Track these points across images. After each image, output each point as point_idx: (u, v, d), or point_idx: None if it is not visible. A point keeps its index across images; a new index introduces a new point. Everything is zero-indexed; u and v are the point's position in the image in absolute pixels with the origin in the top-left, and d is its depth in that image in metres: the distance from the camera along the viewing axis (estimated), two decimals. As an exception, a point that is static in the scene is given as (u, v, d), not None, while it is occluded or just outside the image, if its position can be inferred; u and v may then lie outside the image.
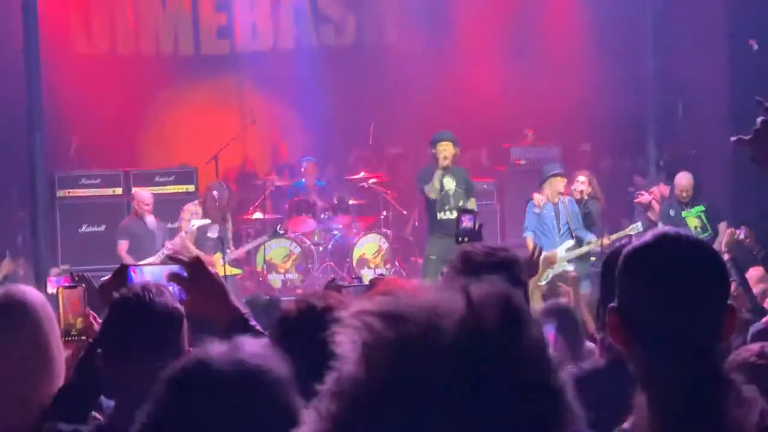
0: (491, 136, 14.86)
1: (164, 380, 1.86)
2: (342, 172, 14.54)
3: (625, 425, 2.06)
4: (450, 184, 10.80)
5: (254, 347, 1.86)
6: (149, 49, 16.33)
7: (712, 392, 1.93)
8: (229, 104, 16.01)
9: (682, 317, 1.96)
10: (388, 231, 12.98)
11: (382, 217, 13.25)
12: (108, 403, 2.94)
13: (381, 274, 10.84)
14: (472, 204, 10.64)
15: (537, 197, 10.98)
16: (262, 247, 12.46)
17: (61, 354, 3.02)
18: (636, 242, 2.08)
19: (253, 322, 2.67)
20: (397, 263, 12.76)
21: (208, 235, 11.38)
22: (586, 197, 10.96)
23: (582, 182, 11.07)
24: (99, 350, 2.78)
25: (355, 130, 14.82)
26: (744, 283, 7.20)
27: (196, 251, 10.49)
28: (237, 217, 12.88)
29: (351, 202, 13.30)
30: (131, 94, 15.17)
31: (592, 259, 10.89)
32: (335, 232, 13.00)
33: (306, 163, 13.83)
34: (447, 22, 15.81)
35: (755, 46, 12.02)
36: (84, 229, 12.58)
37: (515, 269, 3.47)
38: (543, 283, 10.55)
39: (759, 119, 2.75)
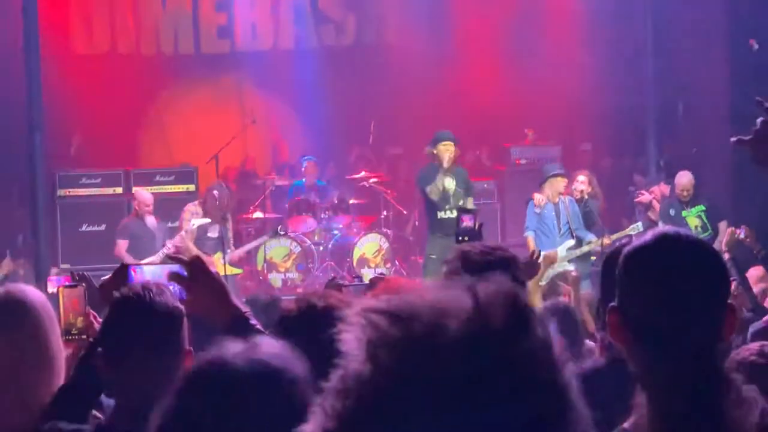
0: (491, 135, 14.87)
1: (182, 380, 1.85)
2: (342, 172, 14.55)
3: (626, 425, 2.06)
4: (450, 183, 10.79)
5: (272, 347, 1.85)
6: (149, 49, 16.33)
7: (712, 391, 1.93)
8: (229, 104, 16.01)
9: (682, 317, 1.96)
10: (388, 230, 12.98)
11: (382, 216, 13.26)
12: (108, 402, 2.94)
13: (381, 274, 10.82)
14: (469, 203, 10.65)
15: (537, 197, 10.98)
16: (263, 246, 12.47)
17: (61, 353, 3.02)
18: (636, 242, 2.08)
19: (253, 321, 2.67)
20: (397, 262, 12.76)
21: (209, 234, 11.38)
22: (586, 196, 10.96)
23: (582, 181, 11.07)
24: (99, 349, 2.78)
25: (355, 129, 14.83)
26: (744, 282, 7.21)
27: (196, 250, 10.49)
28: (237, 216, 12.89)
29: (351, 201, 13.30)
30: (131, 94, 15.18)
31: (593, 258, 10.89)
32: (335, 232, 13.01)
33: (306, 162, 13.83)
34: (447, 22, 15.81)
35: (755, 46, 12.02)
36: (84, 228, 12.58)
37: (513, 268, 3.47)
38: (543, 282, 10.55)
39: (759, 119, 2.75)
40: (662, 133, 13.37)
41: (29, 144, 11.47)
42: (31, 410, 2.86)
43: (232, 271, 11.43)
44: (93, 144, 14.73)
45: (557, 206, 10.91)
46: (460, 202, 10.61)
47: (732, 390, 1.94)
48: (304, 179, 13.72)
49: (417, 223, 13.58)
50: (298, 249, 12.66)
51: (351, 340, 1.07)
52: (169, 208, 12.01)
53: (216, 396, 1.80)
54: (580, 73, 14.36)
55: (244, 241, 12.55)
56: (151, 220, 11.54)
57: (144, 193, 11.75)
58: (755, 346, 3.48)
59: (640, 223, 11.02)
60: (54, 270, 11.25)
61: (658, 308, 1.96)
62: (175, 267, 2.76)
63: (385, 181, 13.72)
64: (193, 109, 15.77)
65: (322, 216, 12.96)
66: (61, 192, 12.61)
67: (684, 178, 11.35)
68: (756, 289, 7.51)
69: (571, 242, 10.83)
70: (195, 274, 2.68)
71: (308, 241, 12.84)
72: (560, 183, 10.94)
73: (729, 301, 2.03)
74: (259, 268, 12.58)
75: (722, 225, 11.10)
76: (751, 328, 5.01)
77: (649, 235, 2.05)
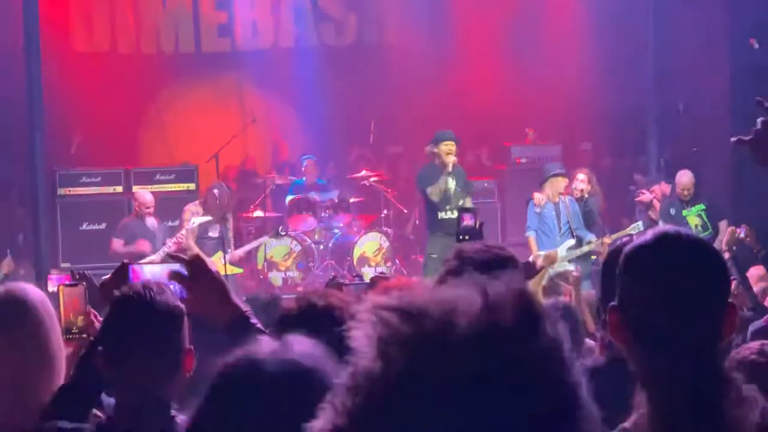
0: (492, 135, 14.87)
1: (214, 379, 1.85)
2: (342, 171, 14.56)
3: (626, 424, 2.06)
4: (451, 183, 10.80)
5: (304, 345, 1.85)
6: (150, 48, 16.33)
7: (712, 391, 1.93)
8: (229, 103, 16.02)
9: (683, 316, 1.96)
10: (388, 229, 12.98)
11: (382, 215, 13.26)
12: (109, 401, 2.94)
13: (382, 273, 10.83)
14: (468, 203, 10.66)
15: (537, 197, 10.98)
16: (263, 245, 12.47)
17: (61, 352, 3.02)
18: (636, 241, 2.09)
19: (254, 320, 2.67)
20: (397, 261, 12.77)
21: (209, 234, 11.38)
22: (586, 195, 10.96)
23: (582, 180, 11.07)
24: (100, 348, 2.78)
25: (355, 128, 14.83)
26: (744, 281, 7.22)
27: (197, 249, 10.49)
28: (238, 215, 12.89)
29: (351, 200, 13.30)
30: (132, 93, 15.19)
31: (593, 258, 10.89)
32: (336, 231, 13.01)
33: (306, 161, 13.83)
34: (447, 22, 15.82)
35: (756, 46, 12.02)
36: (85, 227, 12.58)
37: (511, 267, 3.47)
38: (543, 282, 10.55)
39: (759, 119, 2.75)
40: (662, 133, 13.37)
41: (29, 143, 11.46)
42: (32, 409, 2.86)
43: (232, 270, 11.42)
44: (93, 143, 14.72)
45: (557, 206, 10.91)
46: (460, 202, 10.61)
47: (732, 389, 1.94)
48: (304, 178, 13.72)
49: (417, 221, 13.58)
50: (299, 248, 12.66)
51: (361, 336, 1.08)
52: (169, 207, 12.01)
53: (247, 397, 1.80)
54: (580, 73, 14.37)
55: (245, 240, 12.55)
56: (151, 221, 11.54)
57: (145, 194, 11.72)
58: (755, 345, 3.48)
59: (640, 223, 11.01)
60: (54, 269, 11.24)
61: (658, 307, 1.96)
62: (176, 266, 2.76)
63: (386, 179, 13.71)
64: (193, 108, 15.77)
65: (323, 215, 12.96)
66: (61, 191, 12.60)
67: (684, 177, 11.35)
68: (756, 288, 7.51)
69: (572, 242, 10.83)
70: (195, 273, 2.68)
71: (308, 240, 12.84)
72: (561, 183, 10.94)
73: (729, 300, 2.03)
74: (260, 266, 12.59)
75: (722, 224, 11.10)
76: (752, 327, 5.01)
77: (649, 235, 2.06)
